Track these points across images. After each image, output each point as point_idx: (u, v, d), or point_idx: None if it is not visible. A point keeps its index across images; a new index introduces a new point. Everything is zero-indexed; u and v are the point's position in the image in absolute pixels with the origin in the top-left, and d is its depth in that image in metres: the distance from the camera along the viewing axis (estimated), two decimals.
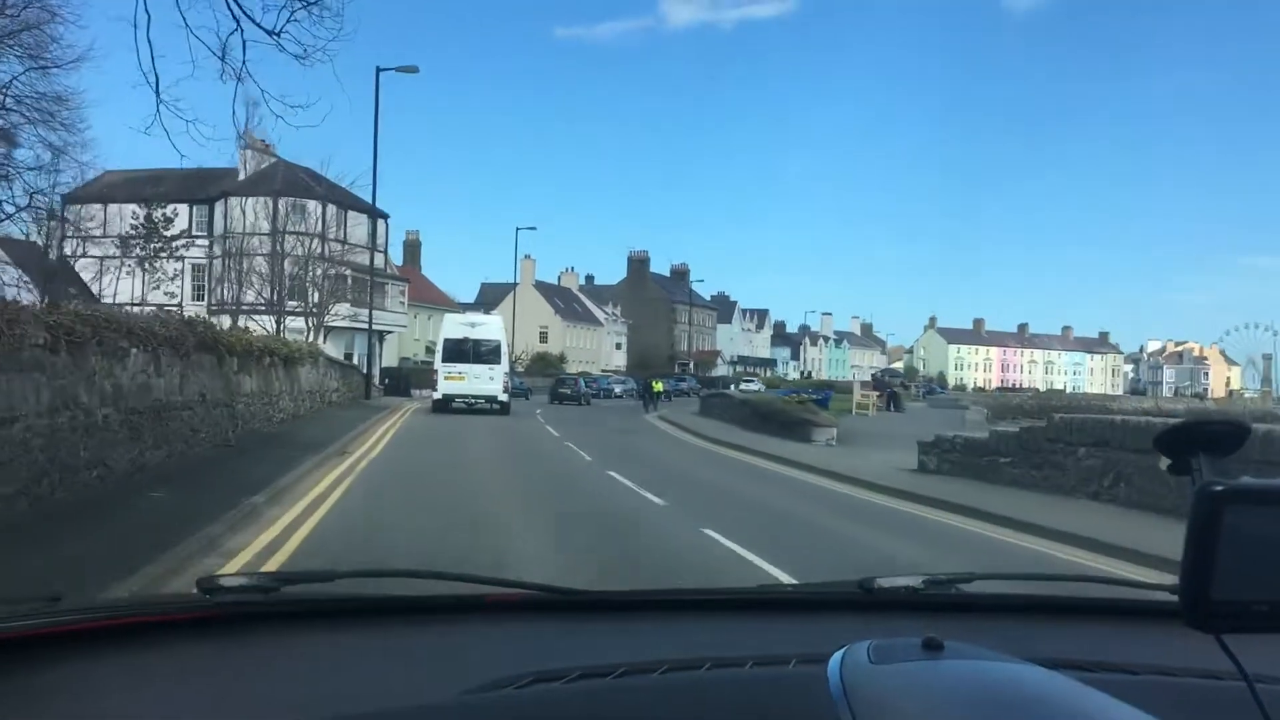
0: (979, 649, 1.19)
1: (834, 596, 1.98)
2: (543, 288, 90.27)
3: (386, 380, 52.12)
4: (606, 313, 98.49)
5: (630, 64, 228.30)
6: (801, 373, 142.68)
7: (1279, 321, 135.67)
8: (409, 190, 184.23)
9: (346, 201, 50.19)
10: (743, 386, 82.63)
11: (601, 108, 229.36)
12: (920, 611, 1.85)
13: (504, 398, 30.45)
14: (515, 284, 73.93)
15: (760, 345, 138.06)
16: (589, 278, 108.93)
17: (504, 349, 30.96)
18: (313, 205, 48.58)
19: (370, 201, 40.15)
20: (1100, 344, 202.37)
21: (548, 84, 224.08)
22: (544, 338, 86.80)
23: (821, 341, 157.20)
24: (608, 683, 1.33)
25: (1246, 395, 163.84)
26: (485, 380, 30.02)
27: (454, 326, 31.60)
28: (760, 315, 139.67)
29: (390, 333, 55.08)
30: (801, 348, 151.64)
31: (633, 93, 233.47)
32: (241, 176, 50.79)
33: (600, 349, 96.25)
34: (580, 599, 1.83)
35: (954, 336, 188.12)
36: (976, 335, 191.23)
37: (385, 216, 54.38)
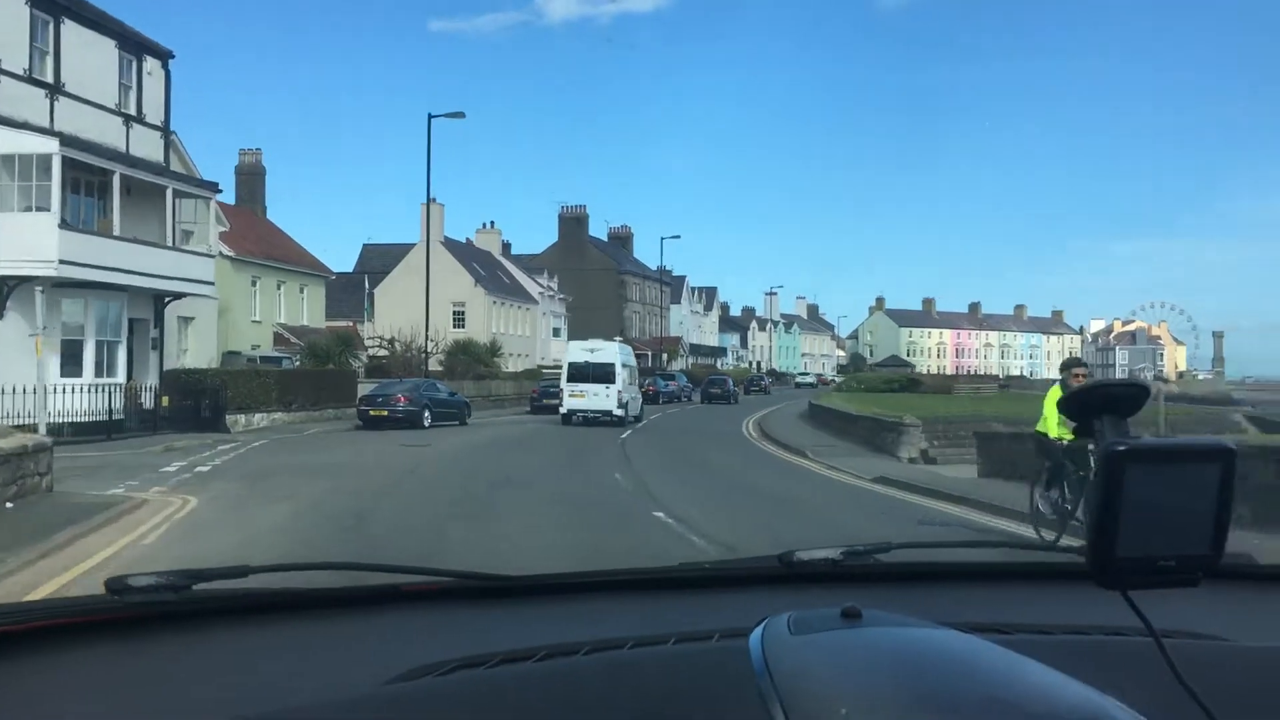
0: (896, 616, 1.19)
1: (755, 571, 1.93)
2: (454, 247, 62.04)
3: (170, 398, 24.15)
4: (541, 285, 70.97)
5: (512, 53, 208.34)
6: (750, 363, 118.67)
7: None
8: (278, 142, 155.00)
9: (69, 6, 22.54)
10: (799, 381, 59.44)
11: (496, 96, 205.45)
12: (840, 583, 1.83)
13: (619, 412, 32.22)
14: (425, 240, 46.04)
15: (709, 330, 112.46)
16: (505, 245, 79.24)
17: (619, 369, 32.49)
18: None
19: None
20: (1055, 324, 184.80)
21: (435, 71, 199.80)
22: (459, 319, 59.11)
23: (770, 326, 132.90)
24: (530, 666, 1.31)
25: (1200, 377, 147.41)
26: (602, 398, 32.21)
27: (577, 352, 33.72)
28: (708, 294, 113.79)
29: (180, 296, 26.46)
30: (749, 333, 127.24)
31: (520, 82, 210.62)
32: None
33: (536, 335, 68.66)
34: (500, 584, 1.77)
35: (904, 319, 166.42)
36: (927, 316, 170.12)
37: (163, 57, 26.20)
